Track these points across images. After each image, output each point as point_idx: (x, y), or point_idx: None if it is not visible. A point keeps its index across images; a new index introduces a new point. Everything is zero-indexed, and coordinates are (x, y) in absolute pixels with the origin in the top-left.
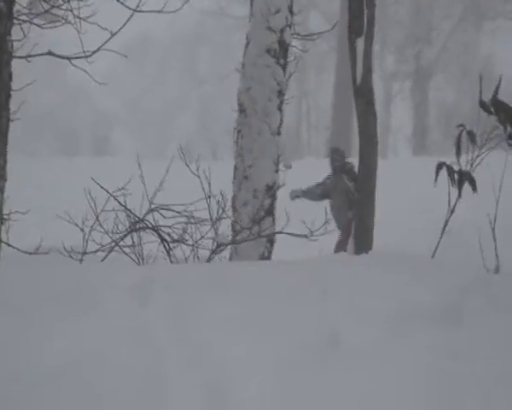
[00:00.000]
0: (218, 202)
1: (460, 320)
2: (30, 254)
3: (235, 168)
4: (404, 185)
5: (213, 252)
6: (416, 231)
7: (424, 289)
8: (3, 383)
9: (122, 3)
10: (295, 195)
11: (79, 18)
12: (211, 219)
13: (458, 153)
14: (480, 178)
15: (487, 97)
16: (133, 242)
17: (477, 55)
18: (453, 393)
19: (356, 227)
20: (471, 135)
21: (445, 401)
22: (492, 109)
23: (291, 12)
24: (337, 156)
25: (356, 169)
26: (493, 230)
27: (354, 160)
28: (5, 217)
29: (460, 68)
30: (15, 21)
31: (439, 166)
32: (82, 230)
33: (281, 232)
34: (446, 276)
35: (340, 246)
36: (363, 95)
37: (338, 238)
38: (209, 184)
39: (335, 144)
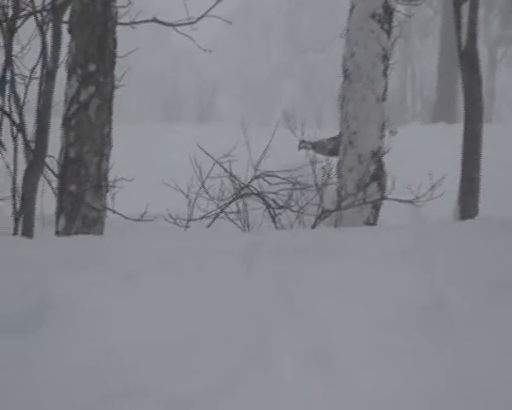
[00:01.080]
0: (324, 168)
1: None
2: (136, 220)
3: (341, 134)
4: (510, 150)
5: (318, 218)
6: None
7: None
8: (112, 348)
9: None
10: (304, 145)
11: None
12: (316, 185)
13: None
14: None
15: None
16: (238, 208)
17: None
18: None
19: (461, 193)
20: None
21: None
22: None
23: None
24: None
25: None
26: None
27: (460, 125)
28: (111, 184)
29: None
30: None
31: None
32: (187, 196)
33: (386, 198)
34: None
35: None
36: (468, 60)
37: None
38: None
39: None
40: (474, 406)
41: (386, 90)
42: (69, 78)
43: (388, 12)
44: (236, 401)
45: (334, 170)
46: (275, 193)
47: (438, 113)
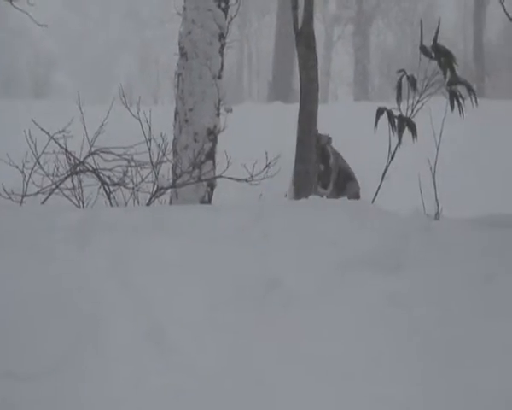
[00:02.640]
0: (159, 146)
1: (401, 266)
2: None
3: (176, 112)
4: (345, 131)
5: (153, 195)
6: (356, 177)
7: (365, 235)
8: None
9: None
10: None
11: None
12: (151, 162)
13: (399, 98)
14: (420, 124)
15: (428, 43)
16: (73, 185)
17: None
18: (393, 337)
19: (296, 172)
20: (412, 80)
21: (386, 346)
22: (433, 54)
23: None
24: None
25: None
26: (433, 176)
27: (296, 104)
28: None
29: (401, 13)
30: None
31: (380, 111)
32: (22, 172)
33: (221, 176)
34: (387, 222)
35: None
36: (305, 39)
37: None
38: (150, 127)
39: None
40: (304, 381)
41: (222, 68)
42: None
43: None
44: (67, 380)
45: (169, 147)
46: (110, 170)
47: (274, 92)
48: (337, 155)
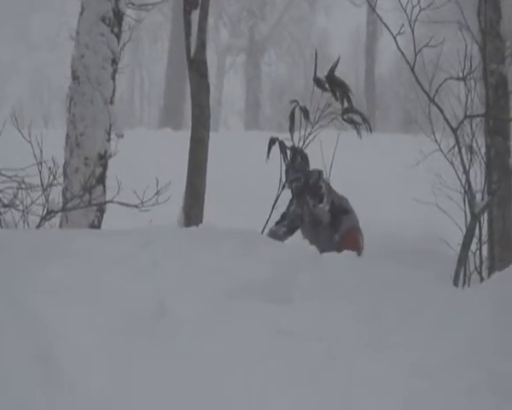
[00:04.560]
0: (50, 169)
1: (290, 298)
2: None
3: (67, 136)
4: (236, 159)
5: (43, 218)
6: (247, 206)
7: (255, 265)
8: None
9: None
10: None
11: None
12: (42, 185)
13: (291, 129)
14: (312, 155)
15: (320, 74)
16: None
17: (311, 31)
18: (283, 369)
19: (186, 200)
20: (304, 111)
21: (272, 377)
22: (327, 86)
23: None
24: (293, 171)
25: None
26: None
27: (186, 131)
28: None
29: (294, 44)
30: None
31: (272, 141)
32: None
33: (111, 201)
34: (277, 253)
35: None
36: (197, 67)
37: None
38: (41, 150)
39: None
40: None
41: (114, 93)
42: None
43: (118, 16)
44: None
45: (60, 171)
46: (0, 191)
47: (165, 118)
48: (329, 189)
